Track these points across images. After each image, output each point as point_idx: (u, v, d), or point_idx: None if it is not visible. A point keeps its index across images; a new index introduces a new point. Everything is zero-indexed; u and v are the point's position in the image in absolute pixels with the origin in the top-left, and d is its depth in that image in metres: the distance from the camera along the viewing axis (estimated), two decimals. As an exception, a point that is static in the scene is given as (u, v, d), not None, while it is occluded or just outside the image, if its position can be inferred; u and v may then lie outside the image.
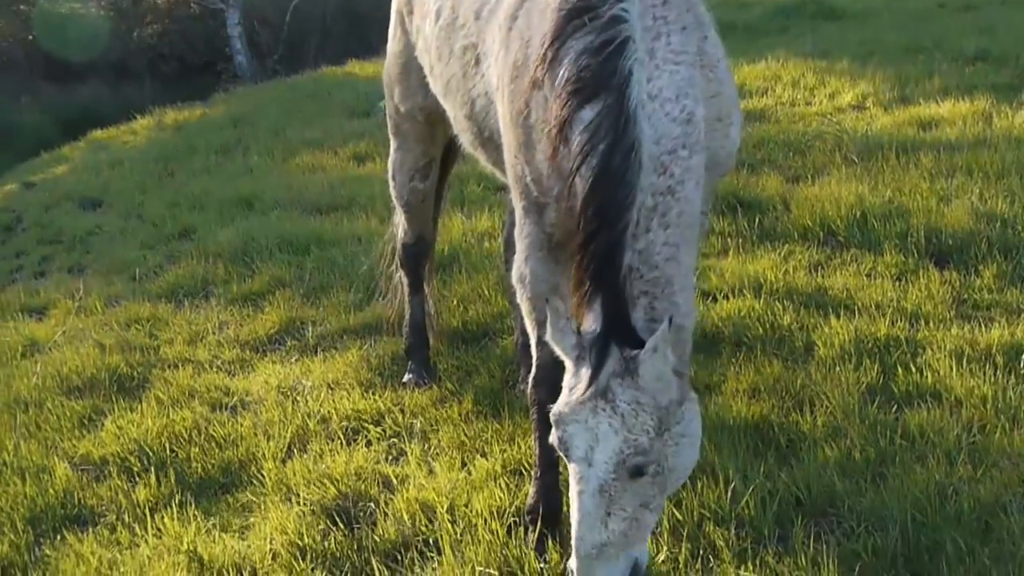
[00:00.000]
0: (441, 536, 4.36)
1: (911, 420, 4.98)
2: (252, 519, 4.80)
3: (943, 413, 5.04)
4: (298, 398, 5.83)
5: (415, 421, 5.47)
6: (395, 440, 5.34)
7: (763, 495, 4.46)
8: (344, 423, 5.50)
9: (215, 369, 6.39)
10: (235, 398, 5.96)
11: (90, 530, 4.87)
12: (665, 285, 3.54)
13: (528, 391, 4.36)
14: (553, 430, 3.49)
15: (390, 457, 5.20)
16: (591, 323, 3.50)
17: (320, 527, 4.56)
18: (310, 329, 6.81)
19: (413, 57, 5.37)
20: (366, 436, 5.40)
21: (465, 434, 5.22)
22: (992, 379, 5.24)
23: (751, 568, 4.08)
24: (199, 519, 4.77)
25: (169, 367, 6.49)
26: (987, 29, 12.81)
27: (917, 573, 4.07)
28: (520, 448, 4.99)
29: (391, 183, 5.91)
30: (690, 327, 3.72)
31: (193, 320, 7.21)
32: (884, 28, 13.58)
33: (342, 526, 4.54)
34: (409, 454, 5.15)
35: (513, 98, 4.07)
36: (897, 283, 6.45)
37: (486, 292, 6.76)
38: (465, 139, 4.91)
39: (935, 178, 7.90)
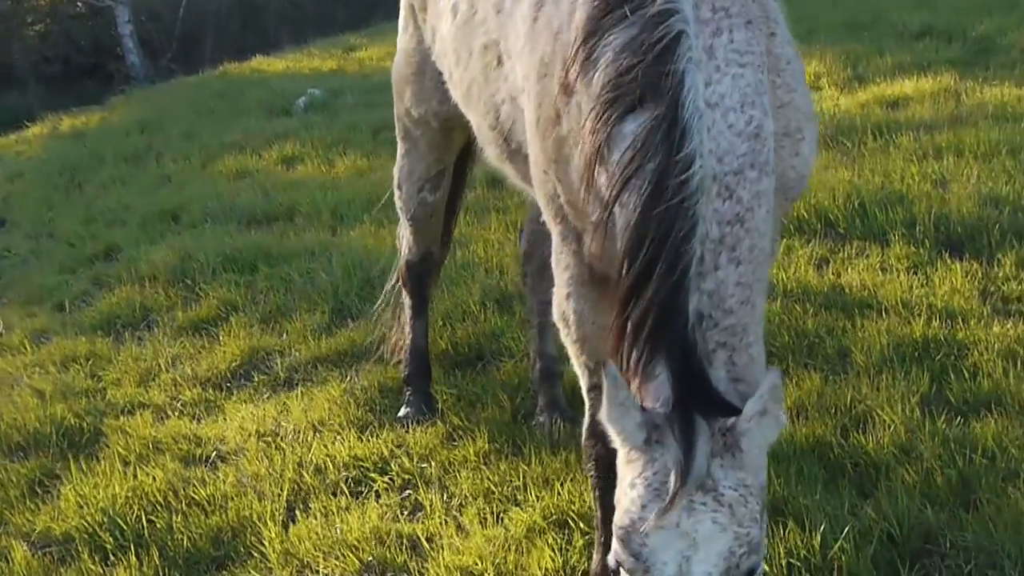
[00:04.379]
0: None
1: (982, 433, 4.52)
2: (260, 601, 4.11)
3: (1012, 424, 4.60)
4: (282, 444, 5.13)
5: (425, 466, 4.82)
6: (407, 491, 4.68)
7: (853, 536, 3.94)
8: (344, 473, 4.83)
9: (177, 414, 5.64)
10: (209, 448, 5.23)
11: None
12: (742, 334, 2.83)
13: (583, 445, 3.73)
14: (616, 550, 2.71)
15: (406, 512, 4.55)
16: (656, 393, 2.75)
17: (349, 609, 3.90)
18: (278, 360, 6.09)
19: (428, 57, 4.69)
20: (371, 487, 4.74)
21: (489, 479, 4.59)
22: (1053, 381, 4.82)
23: (867, 629, 3.55)
24: (196, 605, 4.07)
25: (122, 414, 5.72)
26: (925, 3, 12.57)
27: (1044, 618, 3.60)
28: (559, 494, 4.39)
29: (396, 192, 5.23)
30: None
31: (139, 356, 6.43)
32: (818, 4, 13.25)
33: (376, 606, 3.89)
34: (428, 507, 4.51)
35: (540, 102, 3.42)
36: (914, 276, 6.01)
37: (472, 308, 6.13)
38: (490, 152, 4.23)
39: (921, 161, 7.51)
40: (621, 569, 2.70)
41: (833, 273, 6.17)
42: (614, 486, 3.59)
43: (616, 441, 2.76)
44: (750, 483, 2.67)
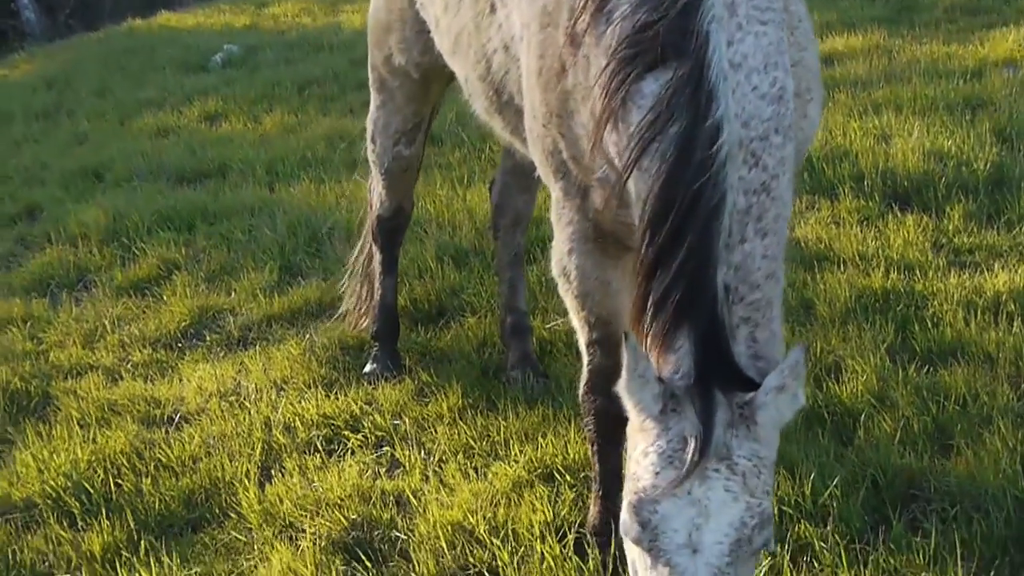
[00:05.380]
0: (504, 566, 3.67)
1: (952, 381, 4.59)
2: (243, 562, 3.99)
3: (979, 371, 4.69)
4: (246, 404, 4.99)
5: (398, 423, 4.73)
6: (383, 447, 4.59)
7: (840, 483, 3.97)
8: (315, 432, 4.71)
9: (129, 376, 5.44)
10: (168, 409, 5.06)
11: (40, 597, 3.95)
12: (766, 308, 2.75)
13: (581, 399, 3.66)
14: (625, 519, 2.64)
15: (384, 470, 4.46)
16: (676, 365, 2.68)
17: (340, 567, 3.80)
18: (229, 319, 5.92)
19: (410, 3, 4.51)
20: (345, 445, 4.64)
21: (467, 434, 4.52)
22: (1013, 330, 4.92)
23: (866, 572, 3.58)
24: (176, 569, 3.93)
25: (71, 377, 5.50)
26: (845, -37, 12.68)
27: (1034, 557, 3.68)
28: (541, 447, 4.34)
29: (370, 145, 5.06)
30: None
31: (81, 317, 6.18)
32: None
33: (369, 563, 3.79)
34: (407, 464, 4.42)
35: (542, 52, 3.29)
36: (867, 229, 6.09)
37: (430, 265, 6.02)
38: (478, 104, 4.09)
39: (862, 116, 7.60)
40: (627, 539, 2.64)
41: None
42: (613, 440, 3.60)
43: (631, 410, 2.70)
44: (763, 455, 2.62)
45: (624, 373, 2.65)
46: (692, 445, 2.56)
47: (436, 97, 4.86)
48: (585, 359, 3.59)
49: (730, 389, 2.63)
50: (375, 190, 5.16)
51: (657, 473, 2.59)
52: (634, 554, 2.68)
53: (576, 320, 3.56)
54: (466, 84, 4.13)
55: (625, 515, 2.63)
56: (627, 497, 2.64)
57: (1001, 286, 5.26)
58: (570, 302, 3.53)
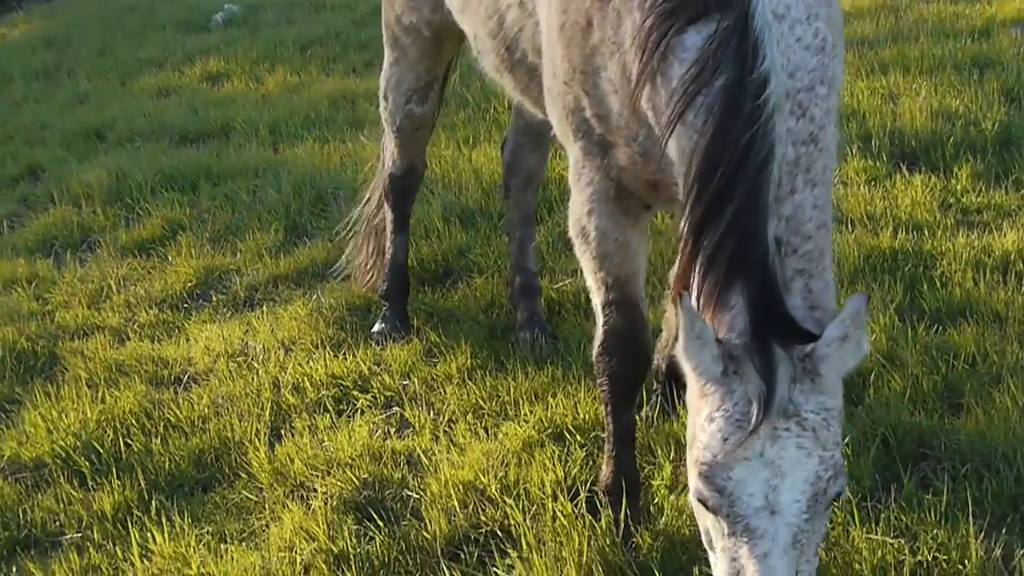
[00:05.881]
0: (516, 525, 3.67)
1: (961, 341, 4.58)
2: (254, 522, 3.99)
3: (988, 330, 4.68)
4: (254, 364, 4.99)
5: (407, 383, 4.73)
6: (392, 408, 4.59)
7: (851, 440, 3.97)
8: (323, 392, 4.71)
9: (136, 336, 5.44)
10: (176, 370, 5.06)
11: (52, 556, 3.95)
12: (819, 259, 2.72)
13: (595, 359, 3.64)
14: (698, 487, 2.61)
15: (394, 429, 4.46)
16: (731, 323, 2.64)
17: (352, 526, 3.81)
18: (235, 279, 5.90)
19: None
20: (354, 405, 4.63)
21: (476, 394, 4.52)
22: (1022, 290, 4.91)
23: (877, 530, 3.59)
24: (187, 528, 3.93)
25: (76, 337, 5.51)
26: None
27: (1042, 516, 3.69)
28: (551, 407, 4.34)
29: (382, 102, 5.01)
30: None
31: (85, 277, 6.17)
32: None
33: (380, 522, 3.79)
34: (417, 424, 4.42)
35: (565, 7, 3.25)
36: (874, 189, 6.06)
37: (437, 224, 5.99)
38: (488, 62, 4.04)
39: (869, 76, 7.55)
40: (704, 505, 2.62)
41: (795, 187, 6.18)
42: (626, 401, 3.61)
43: (690, 375, 2.66)
44: (831, 406, 2.60)
45: (681, 336, 2.62)
46: (755, 404, 2.54)
47: (449, 55, 4.82)
48: (600, 320, 3.57)
49: (789, 343, 2.60)
50: (387, 148, 5.12)
51: (726, 439, 2.56)
52: (707, 522, 2.67)
53: (592, 281, 3.54)
54: (475, 41, 4.09)
55: (698, 483, 2.61)
56: (696, 466, 2.62)
57: (1010, 245, 5.23)
58: (587, 263, 3.51)
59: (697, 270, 2.69)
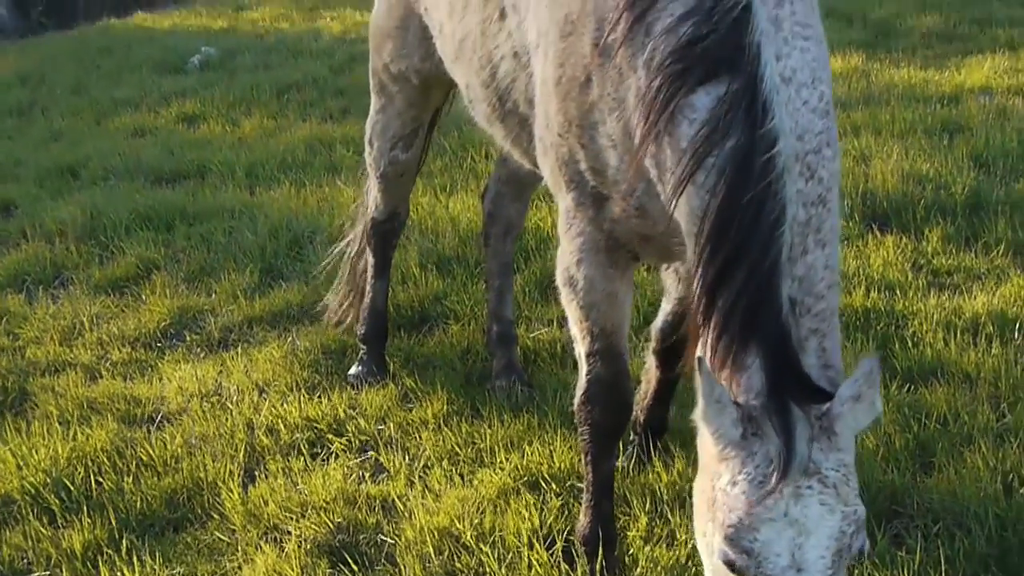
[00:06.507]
0: (491, 573, 3.66)
1: (933, 400, 4.65)
2: (227, 564, 3.95)
3: (959, 391, 4.75)
4: (228, 405, 4.96)
5: (383, 428, 4.72)
6: (367, 452, 4.58)
7: (825, 497, 3.99)
8: (298, 435, 4.69)
9: (108, 374, 5.39)
10: (149, 409, 5.02)
11: (19, 593, 3.90)
12: (831, 318, 2.76)
13: (576, 408, 3.67)
14: (724, 551, 2.62)
15: (368, 474, 4.44)
16: (749, 384, 2.67)
17: (326, 570, 3.79)
18: (210, 320, 5.88)
19: (413, 10, 4.51)
20: (328, 448, 4.62)
21: (452, 441, 4.52)
22: (992, 352, 4.99)
23: (852, 585, 3.61)
24: (159, 568, 3.89)
25: (48, 373, 5.45)
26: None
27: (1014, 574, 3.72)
28: (527, 455, 4.34)
29: (367, 148, 5.04)
30: None
31: (58, 314, 6.12)
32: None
33: (355, 567, 3.77)
34: (392, 469, 4.41)
35: (563, 62, 3.27)
36: (847, 248, 6.15)
37: (413, 271, 6.01)
38: (480, 111, 4.08)
39: (842, 137, 7.67)
40: (730, 567, 2.62)
41: (769, 244, 6.25)
42: (607, 451, 3.64)
43: (708, 438, 2.68)
44: (848, 462, 2.64)
45: (700, 400, 2.65)
46: (775, 464, 2.56)
47: (436, 103, 4.86)
48: (584, 369, 3.59)
49: (805, 402, 2.63)
50: (371, 193, 5.15)
51: (751, 501, 2.58)
52: None
53: (577, 330, 3.56)
54: (467, 90, 4.12)
55: (724, 547, 2.62)
56: (721, 529, 2.63)
57: (980, 308, 5.33)
58: (573, 312, 3.53)
59: (711, 330, 2.72)
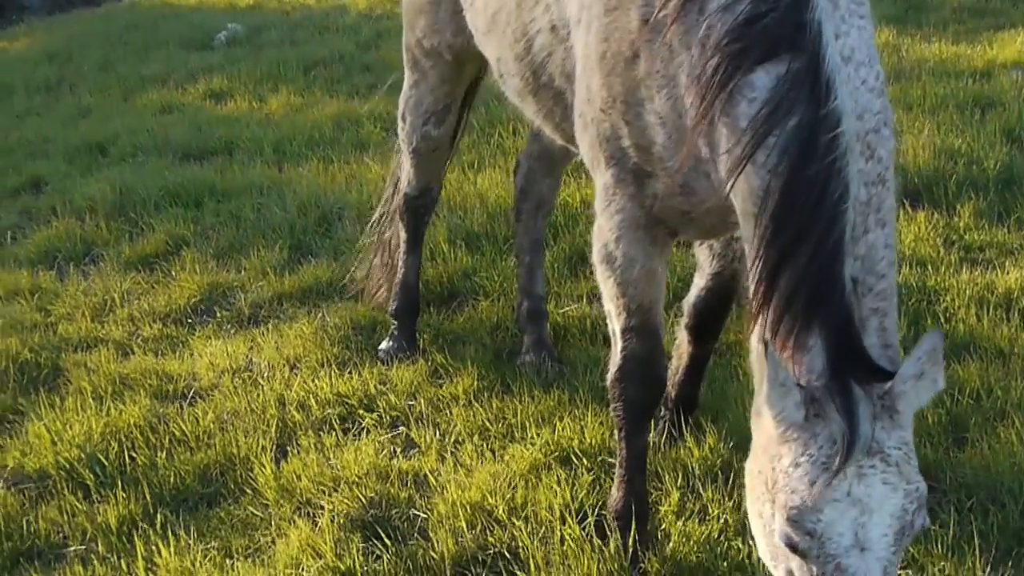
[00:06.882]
0: (524, 547, 3.67)
1: (966, 376, 4.62)
2: (260, 538, 3.98)
3: (992, 366, 4.71)
4: (260, 381, 4.98)
5: (413, 403, 4.73)
6: (398, 427, 4.59)
7: (858, 473, 3.98)
8: (329, 410, 4.71)
9: (140, 350, 5.42)
10: (181, 385, 5.05)
11: (55, 568, 3.94)
12: (891, 297, 2.74)
13: (610, 384, 3.67)
14: (786, 533, 2.61)
15: (400, 449, 4.46)
16: (811, 365, 2.66)
17: (359, 544, 3.80)
18: (240, 296, 5.90)
19: None
20: (359, 424, 4.64)
21: (483, 416, 4.52)
22: (1025, 327, 4.95)
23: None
24: (193, 543, 3.92)
25: (80, 349, 5.49)
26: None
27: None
28: (558, 430, 4.35)
29: (400, 123, 5.03)
30: None
31: (88, 290, 6.16)
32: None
33: (388, 541, 3.79)
34: (423, 444, 4.43)
35: (607, 36, 3.24)
36: (877, 225, 6.10)
37: (442, 247, 6.01)
38: (511, 85, 4.04)
39: (871, 112, 7.61)
40: (792, 549, 2.62)
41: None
42: (641, 427, 3.63)
43: (768, 420, 2.68)
44: (908, 440, 2.64)
45: (765, 384, 2.66)
46: (839, 445, 2.56)
47: (469, 78, 4.84)
48: (619, 345, 3.58)
49: (867, 382, 2.62)
50: (403, 168, 5.14)
51: (813, 482, 2.59)
52: (792, 564, 2.68)
53: (613, 306, 3.55)
54: (498, 64, 4.10)
55: (787, 528, 2.62)
56: (784, 511, 2.63)
57: (1012, 283, 5.28)
58: (610, 288, 3.52)
59: (772, 311, 2.71)
